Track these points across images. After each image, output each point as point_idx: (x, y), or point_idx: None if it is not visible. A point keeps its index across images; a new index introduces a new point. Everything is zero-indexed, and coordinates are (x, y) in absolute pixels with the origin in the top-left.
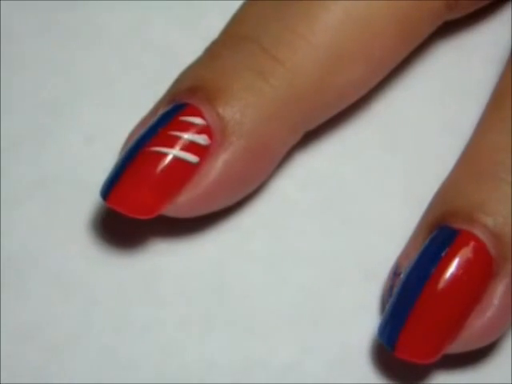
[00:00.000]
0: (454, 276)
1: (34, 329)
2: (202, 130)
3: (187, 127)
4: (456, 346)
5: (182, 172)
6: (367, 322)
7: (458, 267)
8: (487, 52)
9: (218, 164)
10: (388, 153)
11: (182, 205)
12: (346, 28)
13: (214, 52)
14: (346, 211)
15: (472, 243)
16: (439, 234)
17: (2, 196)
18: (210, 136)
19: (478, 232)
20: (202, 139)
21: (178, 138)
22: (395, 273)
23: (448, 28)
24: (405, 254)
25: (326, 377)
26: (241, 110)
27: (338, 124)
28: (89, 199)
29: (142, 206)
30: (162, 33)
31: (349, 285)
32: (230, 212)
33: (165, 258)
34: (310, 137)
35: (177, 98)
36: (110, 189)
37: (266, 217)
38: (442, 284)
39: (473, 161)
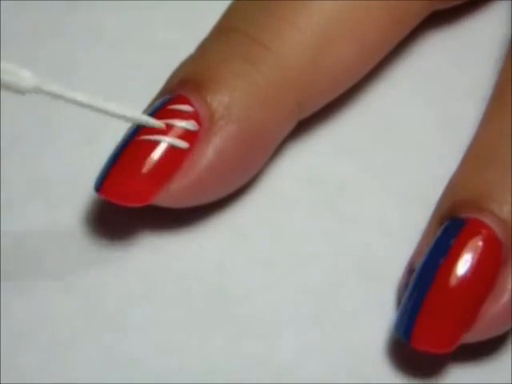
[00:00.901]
0: (465, 264)
1: (34, 329)
2: (190, 116)
3: (176, 114)
4: (472, 335)
5: (173, 158)
6: (367, 321)
7: (469, 255)
8: (487, 51)
9: (209, 150)
10: (388, 152)
11: (174, 192)
12: (332, 11)
13: (203, 46)
14: (346, 211)
15: (481, 230)
16: (448, 226)
17: (2, 196)
18: (199, 122)
19: (487, 219)
20: (190, 125)
21: (167, 125)
22: (409, 270)
23: (448, 28)
24: (418, 250)
25: (325, 377)
26: (230, 95)
27: (338, 123)
28: (89, 199)
29: (133, 193)
30: (162, 33)
31: (349, 285)
32: (230, 212)
33: (165, 258)
34: (310, 137)
35: (168, 93)
36: (101, 180)
37: (266, 217)
38: (453, 272)
39: (477, 152)
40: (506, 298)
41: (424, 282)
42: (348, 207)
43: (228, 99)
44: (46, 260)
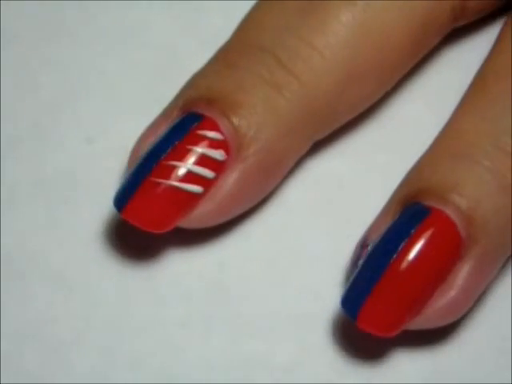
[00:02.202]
0: (422, 253)
1: (34, 329)
2: (218, 145)
3: (204, 141)
4: (417, 323)
5: (199, 187)
6: None
7: (427, 245)
8: (487, 52)
9: (232, 179)
10: (388, 153)
11: (196, 218)
12: (361, 43)
13: (230, 61)
14: (345, 211)
15: (443, 222)
16: (410, 210)
17: (2, 196)
18: (227, 151)
19: (450, 212)
20: (219, 154)
21: (195, 152)
22: (362, 245)
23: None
24: (374, 227)
25: (326, 377)
26: (257, 124)
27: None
28: (89, 199)
29: (157, 220)
30: (162, 33)
31: None
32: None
33: (165, 258)
34: None
35: (192, 108)
36: (125, 201)
37: (267, 217)
38: (409, 259)
39: (451, 140)
40: (453, 292)
41: (378, 263)
42: (348, 207)
43: (255, 128)
44: (46, 260)
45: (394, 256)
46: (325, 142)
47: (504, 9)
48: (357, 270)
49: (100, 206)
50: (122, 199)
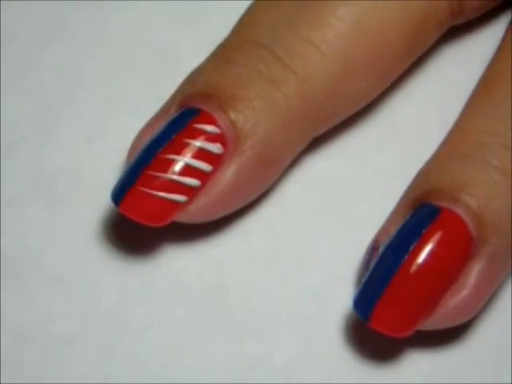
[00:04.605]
0: (433, 253)
1: (33, 329)
2: (215, 139)
3: (201, 135)
4: (430, 323)
5: (196, 180)
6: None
7: (438, 245)
8: (487, 52)
9: (230, 172)
10: (388, 153)
11: (193, 212)
12: (358, 39)
13: (227, 57)
14: (346, 211)
15: (454, 222)
16: (421, 211)
17: (2, 196)
18: (224, 145)
19: (461, 211)
20: (216, 148)
21: (193, 145)
22: (373, 247)
23: (450, 29)
24: (384, 229)
25: (326, 377)
26: (254, 118)
27: (338, 124)
28: (89, 199)
29: (154, 214)
30: (163, 33)
31: (349, 285)
32: (231, 213)
33: (165, 258)
34: None
35: (189, 103)
36: (122, 194)
37: (267, 217)
38: (420, 260)
39: (459, 142)
40: (465, 292)
41: (390, 264)
42: (348, 208)
43: (252, 122)
44: (46, 260)
45: (406, 257)
46: (325, 141)
47: (503, 7)
48: (368, 272)
49: (100, 205)
50: (120, 193)
